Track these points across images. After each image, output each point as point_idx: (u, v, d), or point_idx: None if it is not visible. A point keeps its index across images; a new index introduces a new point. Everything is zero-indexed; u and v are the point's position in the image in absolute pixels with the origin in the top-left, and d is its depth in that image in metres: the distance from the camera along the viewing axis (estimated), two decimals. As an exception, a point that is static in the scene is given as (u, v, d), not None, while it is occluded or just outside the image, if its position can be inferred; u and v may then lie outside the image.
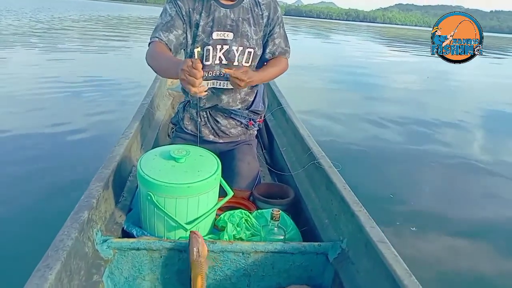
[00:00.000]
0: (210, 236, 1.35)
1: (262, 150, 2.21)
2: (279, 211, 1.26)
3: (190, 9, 1.55)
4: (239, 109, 1.75)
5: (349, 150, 3.49)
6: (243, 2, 1.58)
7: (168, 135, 2.34)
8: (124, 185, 1.48)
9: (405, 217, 2.39)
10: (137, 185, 1.46)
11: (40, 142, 3.13)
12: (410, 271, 0.94)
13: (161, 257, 1.17)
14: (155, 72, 1.58)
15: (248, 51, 1.62)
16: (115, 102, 4.55)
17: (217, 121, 1.75)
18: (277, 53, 1.70)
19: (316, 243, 1.23)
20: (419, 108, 5.73)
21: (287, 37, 1.73)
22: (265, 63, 1.71)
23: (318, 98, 5.73)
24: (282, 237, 1.26)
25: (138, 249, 1.15)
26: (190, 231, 1.13)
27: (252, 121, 1.79)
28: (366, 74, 8.66)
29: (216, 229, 1.41)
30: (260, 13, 1.61)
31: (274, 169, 2.02)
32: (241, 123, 1.78)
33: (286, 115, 2.16)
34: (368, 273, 1.05)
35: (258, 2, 1.61)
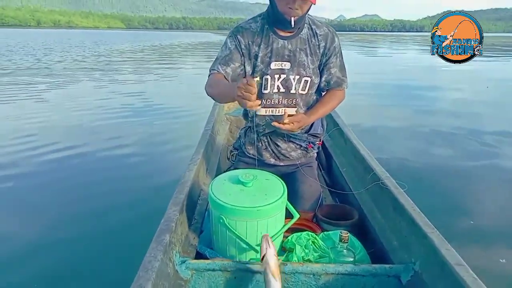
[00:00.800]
0: (279, 257, 1.39)
1: (320, 171, 2.23)
2: (347, 233, 1.28)
3: (250, 42, 1.65)
4: (298, 133, 1.80)
5: (409, 168, 3.38)
6: (301, 33, 1.65)
7: (228, 158, 2.44)
8: (195, 208, 1.58)
9: (473, 239, 2.27)
10: (206, 208, 1.56)
11: (109, 168, 3.39)
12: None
13: (235, 277, 1.22)
14: (214, 99, 1.69)
15: (305, 80, 1.68)
16: (177, 128, 4.79)
17: (277, 145, 1.82)
18: (332, 82, 1.73)
19: (387, 266, 1.22)
20: (477, 120, 5.42)
21: (344, 68, 1.76)
22: (322, 95, 1.78)
23: (369, 114, 5.63)
24: (351, 259, 1.27)
25: (213, 270, 1.21)
26: (263, 235, 1.16)
27: (311, 144, 1.83)
28: (417, 87, 8.37)
29: (284, 251, 1.45)
30: (317, 43, 1.66)
31: (334, 190, 2.03)
32: (301, 146, 1.82)
33: (344, 135, 2.17)
34: (447, 297, 1.03)
35: (316, 33, 1.66)
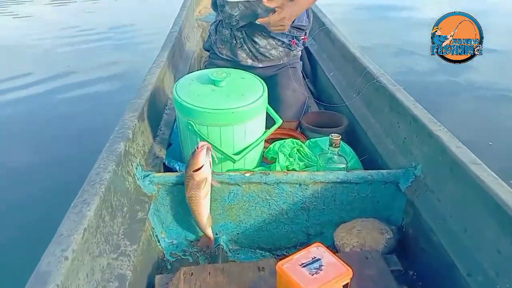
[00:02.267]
0: (260, 168, 1.21)
1: (304, 79, 2.00)
2: (339, 136, 1.09)
3: None
4: None
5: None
6: None
7: (201, 69, 2.17)
8: (161, 118, 1.35)
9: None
10: (175, 118, 1.33)
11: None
12: (517, 196, 0.76)
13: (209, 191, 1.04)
14: None
15: None
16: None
17: (255, 42, 1.53)
18: None
19: (384, 171, 1.06)
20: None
21: None
22: None
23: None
24: (343, 166, 1.10)
25: (183, 184, 1.02)
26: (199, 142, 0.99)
27: (295, 40, 1.56)
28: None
29: (265, 162, 1.27)
30: None
31: (321, 99, 1.82)
32: (283, 42, 1.55)
33: (331, 35, 1.90)
34: (456, 201, 0.88)
35: None
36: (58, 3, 6.58)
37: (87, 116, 2.57)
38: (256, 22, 1.41)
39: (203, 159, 0.95)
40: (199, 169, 0.94)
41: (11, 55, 3.95)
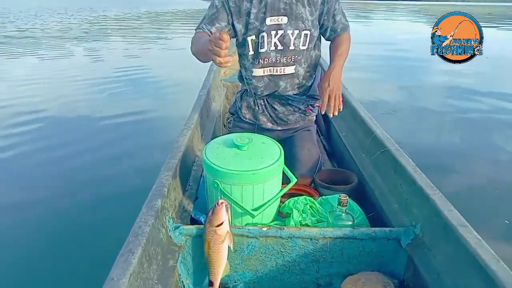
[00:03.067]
0: (275, 222, 1.35)
1: (319, 136, 2.17)
2: (346, 196, 1.24)
3: None
4: (296, 95, 1.72)
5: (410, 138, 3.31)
6: None
7: (224, 125, 2.38)
8: (190, 174, 1.53)
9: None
10: (201, 174, 1.51)
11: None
12: (497, 256, 0.88)
13: (230, 243, 1.19)
14: (197, 58, 1.56)
15: (304, 34, 1.58)
16: (172, 98, 4.70)
17: (275, 109, 1.75)
18: (338, 30, 1.65)
19: (387, 229, 1.18)
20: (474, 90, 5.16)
21: (344, 12, 1.67)
22: (330, 45, 1.68)
23: (367, 89, 5.39)
24: (350, 223, 1.23)
25: (206, 236, 1.17)
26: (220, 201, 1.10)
27: (310, 107, 1.76)
28: (411, 58, 7.88)
29: (281, 216, 1.41)
30: None
31: (333, 155, 1.98)
32: (299, 109, 1.75)
33: (344, 98, 2.08)
34: (448, 258, 1.00)
35: None
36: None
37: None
38: (321, 113, 1.59)
39: (224, 215, 1.08)
40: (220, 224, 1.08)
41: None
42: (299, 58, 1.63)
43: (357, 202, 1.44)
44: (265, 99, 1.74)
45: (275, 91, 1.69)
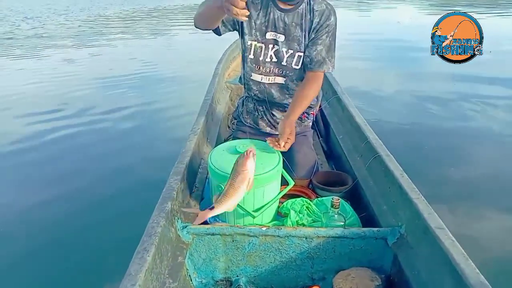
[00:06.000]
0: (274, 222, 1.48)
1: (318, 138, 2.29)
2: (339, 199, 1.36)
3: (250, 4, 1.64)
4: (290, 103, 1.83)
5: (401, 134, 3.40)
6: (299, 8, 1.64)
7: (228, 127, 2.51)
8: (196, 176, 1.65)
9: (460, 198, 2.35)
10: (207, 176, 1.64)
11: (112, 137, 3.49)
12: (467, 255, 1.00)
13: (233, 241, 1.32)
14: (199, 24, 1.57)
15: (298, 55, 1.70)
16: (177, 96, 4.80)
17: (273, 114, 1.87)
18: (314, 60, 1.65)
19: (375, 229, 1.30)
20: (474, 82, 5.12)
21: (333, 50, 1.68)
22: (299, 84, 1.74)
23: (365, 78, 5.39)
24: (342, 223, 1.36)
25: (213, 234, 1.31)
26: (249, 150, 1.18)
27: (305, 114, 1.88)
28: (413, 48, 7.79)
29: (280, 216, 1.54)
30: (311, 19, 1.65)
31: (331, 157, 2.09)
32: None
33: (342, 103, 2.21)
34: (427, 257, 1.12)
35: (313, 8, 1.64)
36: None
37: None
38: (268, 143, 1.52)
39: (249, 163, 1.17)
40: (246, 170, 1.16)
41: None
42: (290, 74, 1.75)
43: (351, 203, 1.56)
44: (263, 106, 1.87)
45: (272, 99, 1.81)
